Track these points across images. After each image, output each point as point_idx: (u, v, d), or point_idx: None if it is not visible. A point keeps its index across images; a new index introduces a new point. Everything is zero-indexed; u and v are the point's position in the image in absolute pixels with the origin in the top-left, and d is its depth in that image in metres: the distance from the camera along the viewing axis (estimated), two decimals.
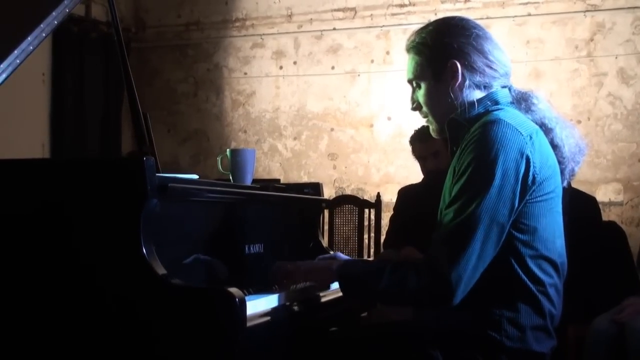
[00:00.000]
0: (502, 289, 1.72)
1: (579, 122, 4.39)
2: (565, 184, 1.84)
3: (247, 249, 2.07)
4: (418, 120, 2.09)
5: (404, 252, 2.97)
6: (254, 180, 2.41)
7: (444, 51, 1.82)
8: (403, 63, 1.95)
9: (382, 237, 3.75)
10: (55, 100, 4.84)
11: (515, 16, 4.59)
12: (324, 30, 5.02)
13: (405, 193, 3.49)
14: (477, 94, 1.83)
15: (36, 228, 1.67)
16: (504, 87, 1.86)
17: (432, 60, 1.84)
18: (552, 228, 1.75)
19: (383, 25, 4.89)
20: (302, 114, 5.10)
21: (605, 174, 4.39)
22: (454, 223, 1.66)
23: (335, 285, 1.97)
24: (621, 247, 3.38)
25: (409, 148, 3.36)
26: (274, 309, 1.80)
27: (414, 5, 4.80)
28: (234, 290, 1.54)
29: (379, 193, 4.28)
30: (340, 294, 1.91)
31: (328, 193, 4.64)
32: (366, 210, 4.29)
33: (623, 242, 3.40)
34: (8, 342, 1.67)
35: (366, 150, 4.93)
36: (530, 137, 1.71)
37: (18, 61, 1.89)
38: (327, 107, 5.03)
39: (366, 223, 4.32)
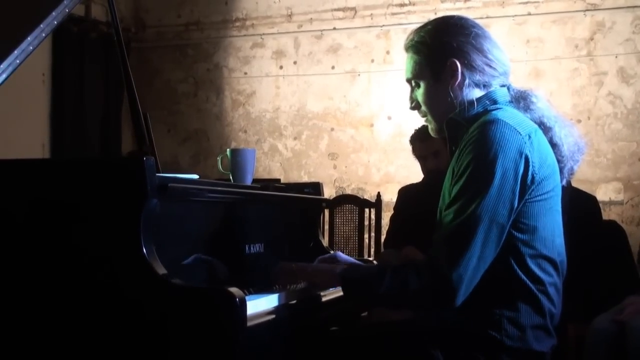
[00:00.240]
0: (502, 289, 1.71)
1: (579, 121, 4.39)
2: (564, 182, 1.83)
3: (247, 248, 2.07)
4: (418, 120, 2.09)
5: (405, 252, 2.97)
6: (254, 180, 2.40)
7: (443, 50, 1.82)
8: (403, 63, 1.94)
9: (383, 237, 3.75)
10: (55, 100, 4.84)
11: (515, 15, 4.59)
12: (324, 30, 5.02)
13: (406, 192, 3.49)
14: (477, 93, 1.83)
15: (36, 228, 1.67)
16: (502, 86, 1.86)
17: (431, 59, 1.84)
18: (551, 227, 1.75)
19: (383, 25, 4.89)
20: (302, 113, 5.09)
21: (606, 173, 4.39)
22: (454, 224, 1.66)
23: None
24: (621, 246, 3.38)
25: (409, 147, 3.36)
26: (275, 309, 1.79)
27: (414, 4, 4.80)
28: (234, 290, 1.54)
29: (379, 193, 4.28)
30: (341, 293, 1.91)
31: (328, 193, 4.64)
32: (366, 210, 4.28)
33: (623, 242, 3.40)
34: (8, 342, 1.67)
35: (366, 149, 4.93)
36: (529, 137, 1.71)
37: (18, 61, 1.89)
38: (327, 106, 5.03)
39: (366, 223, 4.32)
